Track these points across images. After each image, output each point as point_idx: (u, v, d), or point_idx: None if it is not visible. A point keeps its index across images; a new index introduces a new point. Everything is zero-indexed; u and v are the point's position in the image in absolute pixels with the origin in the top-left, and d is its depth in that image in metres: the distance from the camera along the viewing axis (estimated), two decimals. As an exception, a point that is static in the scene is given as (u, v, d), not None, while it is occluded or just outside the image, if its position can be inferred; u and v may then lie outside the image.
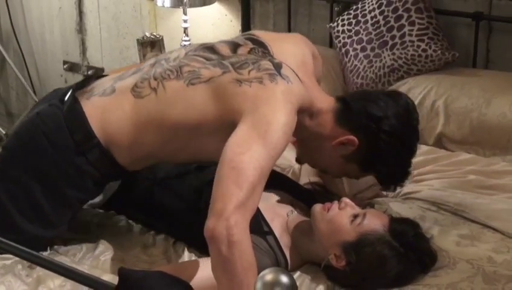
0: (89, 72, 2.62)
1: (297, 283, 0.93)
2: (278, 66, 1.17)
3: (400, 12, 1.69)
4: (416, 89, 1.65)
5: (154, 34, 2.28)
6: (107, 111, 1.22)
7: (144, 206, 1.40)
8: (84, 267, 1.17)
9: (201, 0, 2.16)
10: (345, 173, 1.29)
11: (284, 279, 0.57)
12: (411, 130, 1.23)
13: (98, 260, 1.25)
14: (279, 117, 1.07)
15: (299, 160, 1.38)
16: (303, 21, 2.15)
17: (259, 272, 0.97)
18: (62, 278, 1.07)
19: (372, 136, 1.18)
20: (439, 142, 1.61)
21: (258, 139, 1.04)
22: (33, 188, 1.21)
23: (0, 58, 2.84)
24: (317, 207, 1.15)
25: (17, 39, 2.78)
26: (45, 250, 1.24)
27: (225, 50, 1.25)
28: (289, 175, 1.54)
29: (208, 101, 1.16)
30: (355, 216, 1.10)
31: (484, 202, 1.35)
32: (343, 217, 1.10)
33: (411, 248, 1.06)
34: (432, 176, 1.48)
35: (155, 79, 1.21)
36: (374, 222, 1.09)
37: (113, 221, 1.41)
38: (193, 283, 1.07)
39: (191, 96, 1.19)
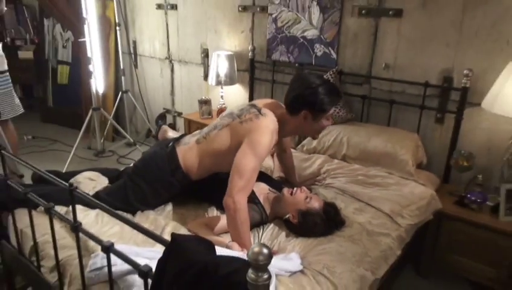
0: (175, 114, 4.00)
1: (270, 231, 1.72)
2: (259, 110, 1.71)
3: None
4: (333, 131, 2.51)
5: (207, 97, 3.48)
6: (186, 153, 1.82)
7: (199, 190, 1.93)
8: (161, 217, 1.75)
9: (230, 82, 3.31)
10: (317, 130, 1.82)
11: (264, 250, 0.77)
12: (319, 80, 1.71)
13: (169, 213, 1.84)
14: (263, 139, 1.60)
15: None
16: (278, 95, 3.19)
17: (253, 220, 1.72)
18: (149, 222, 1.72)
19: (310, 102, 1.68)
20: (344, 159, 2.44)
21: (251, 153, 1.56)
22: (144, 187, 1.81)
23: (133, 106, 4.40)
24: (285, 189, 1.81)
25: (141, 96, 4.39)
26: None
27: (235, 111, 1.82)
28: (268, 172, 2.29)
29: (229, 136, 1.73)
30: (307, 197, 1.73)
31: (367, 191, 2.06)
32: (301, 196, 1.74)
33: (332, 220, 1.69)
34: (340, 175, 2.25)
35: (205, 134, 1.83)
36: (316, 203, 1.72)
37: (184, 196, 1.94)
38: (217, 226, 1.67)
39: (221, 136, 1.76)
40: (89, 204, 1.79)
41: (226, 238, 1.65)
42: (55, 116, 5.08)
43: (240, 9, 3.33)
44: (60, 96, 5.00)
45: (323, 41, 2.90)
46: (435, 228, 2.22)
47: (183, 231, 1.70)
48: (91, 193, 1.93)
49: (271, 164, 2.42)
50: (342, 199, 2.06)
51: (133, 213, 1.84)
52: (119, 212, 1.72)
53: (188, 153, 1.83)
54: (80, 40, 3.56)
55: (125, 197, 1.82)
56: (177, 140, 1.94)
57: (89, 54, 3.63)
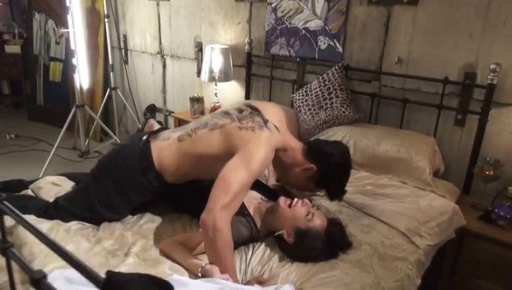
0: (167, 113, 3.71)
1: (261, 252, 1.43)
2: (265, 121, 1.52)
3: (330, 90, 2.39)
4: (339, 133, 2.21)
5: (199, 95, 3.17)
6: (163, 150, 1.55)
7: (179, 198, 1.71)
8: (129, 233, 1.47)
9: (225, 78, 3.03)
10: (305, 188, 1.67)
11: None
12: (348, 164, 1.63)
13: (140, 227, 1.55)
14: (260, 153, 1.36)
15: (278, 180, 1.76)
16: (277, 92, 2.92)
17: (240, 237, 1.42)
18: (114, 239, 1.44)
19: (325, 166, 1.54)
20: None
21: (243, 166, 1.33)
22: (110, 188, 1.54)
23: (123, 104, 4.08)
24: (282, 199, 1.51)
25: (131, 94, 4.07)
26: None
27: (234, 112, 1.63)
28: (262, 179, 1.97)
29: (221, 140, 1.48)
30: (309, 213, 1.43)
31: (376, 203, 1.78)
32: (302, 211, 1.43)
33: (337, 245, 1.41)
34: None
35: (191, 130, 1.57)
36: (318, 222, 1.43)
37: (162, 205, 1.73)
38: (196, 245, 1.38)
39: (210, 137, 1.51)
40: (46, 213, 1.57)
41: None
42: (44, 115, 4.80)
43: (236, -2, 3.03)
44: (52, 95, 4.73)
45: (328, 33, 2.59)
46: (455, 248, 1.91)
47: (153, 251, 1.40)
48: (51, 201, 1.66)
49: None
50: (348, 212, 1.76)
51: (99, 223, 1.57)
52: (74, 226, 1.48)
53: (166, 151, 1.56)
54: (62, 30, 3.26)
55: (87, 201, 1.55)
56: (153, 134, 1.67)
57: (72, 47, 3.33)
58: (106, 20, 3.77)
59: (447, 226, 1.75)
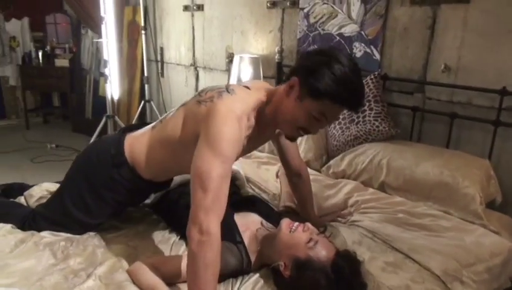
0: None
1: (251, 285, 1.15)
2: (227, 86, 1.23)
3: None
4: (369, 151, 1.94)
5: None
6: (135, 140, 1.40)
7: (167, 210, 1.58)
8: (101, 251, 1.29)
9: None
10: (308, 112, 1.15)
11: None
12: (322, 51, 1.20)
13: (118, 244, 1.37)
14: (223, 128, 1.10)
15: (288, 136, 1.31)
16: None
17: (227, 268, 1.15)
18: (84, 257, 1.25)
19: (303, 66, 1.17)
20: (382, 187, 1.84)
21: (210, 152, 1.08)
22: (82, 186, 1.39)
23: (156, 117, 3.77)
24: (286, 220, 1.25)
25: (165, 107, 4.02)
26: (86, 231, 1.41)
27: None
28: (272, 199, 1.77)
29: (183, 121, 1.26)
30: (311, 240, 1.17)
31: (408, 236, 1.45)
32: (302, 237, 1.18)
33: (346, 282, 1.09)
34: (373, 210, 1.66)
35: (164, 116, 1.41)
36: (323, 252, 1.14)
37: (149, 217, 1.62)
38: (172, 271, 1.19)
39: (175, 118, 1.30)
40: (25, 223, 1.45)
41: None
42: (88, 127, 4.86)
43: (268, 5, 2.84)
44: (100, 108, 4.73)
45: (364, 39, 2.31)
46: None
47: (119, 274, 1.20)
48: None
49: (273, 188, 1.85)
50: (369, 245, 1.43)
51: (78, 231, 1.42)
52: (47, 238, 1.34)
53: (138, 140, 1.39)
54: (96, 40, 3.26)
55: (61, 203, 1.41)
56: (134, 128, 1.49)
57: (105, 56, 3.32)
58: (143, 32, 3.75)
59: (500, 271, 1.38)
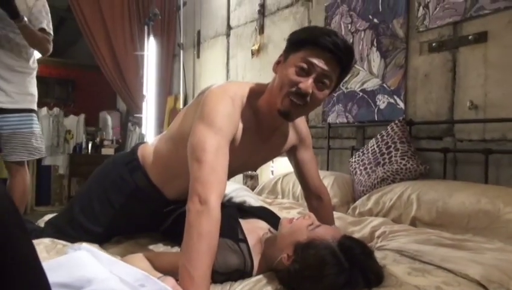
0: None
1: (252, 283, 1.02)
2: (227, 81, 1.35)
3: (389, 144, 2.04)
4: (397, 188, 1.80)
5: (253, 172, 3.00)
6: (148, 145, 1.44)
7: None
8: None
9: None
10: (293, 65, 1.12)
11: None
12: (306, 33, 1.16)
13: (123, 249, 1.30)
14: (218, 106, 1.11)
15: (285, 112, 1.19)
16: (336, 164, 2.65)
17: (226, 266, 1.03)
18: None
19: (288, 43, 1.18)
20: (414, 223, 1.67)
21: (203, 125, 1.08)
22: (92, 190, 1.39)
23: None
24: (286, 218, 1.18)
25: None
26: (94, 242, 1.31)
27: None
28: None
29: (182, 116, 1.30)
30: (312, 224, 1.08)
31: (441, 251, 1.26)
32: (303, 222, 1.09)
33: (356, 263, 0.95)
34: (402, 236, 1.46)
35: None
36: (326, 232, 1.05)
37: (155, 236, 1.47)
38: (164, 263, 1.09)
39: (179, 115, 1.34)
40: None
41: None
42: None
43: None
44: None
45: (387, 91, 2.34)
46: None
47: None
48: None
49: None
50: (394, 258, 1.24)
51: (78, 239, 1.31)
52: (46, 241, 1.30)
53: (148, 145, 1.43)
54: (135, 115, 3.53)
55: (70, 207, 1.41)
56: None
57: (143, 131, 3.53)
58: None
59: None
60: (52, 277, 0.54)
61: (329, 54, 1.08)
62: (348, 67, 1.15)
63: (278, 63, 1.18)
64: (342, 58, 1.10)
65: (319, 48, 1.08)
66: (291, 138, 1.39)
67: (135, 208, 1.37)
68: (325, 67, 1.08)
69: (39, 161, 5.17)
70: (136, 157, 1.36)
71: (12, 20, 2.02)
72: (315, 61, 1.08)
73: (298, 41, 1.12)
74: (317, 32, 1.11)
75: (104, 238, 1.38)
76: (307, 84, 1.08)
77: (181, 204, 1.31)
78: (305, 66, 1.08)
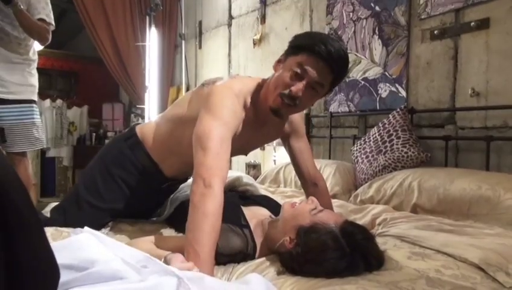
0: None
1: (254, 265, 1.05)
2: (231, 75, 1.43)
3: (391, 132, 2.04)
4: (398, 176, 1.81)
5: (256, 161, 3.12)
6: (147, 123, 1.54)
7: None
8: None
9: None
10: (289, 69, 1.21)
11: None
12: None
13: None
14: (222, 100, 1.18)
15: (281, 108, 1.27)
16: (338, 153, 2.66)
17: (229, 247, 1.06)
18: None
19: (290, 43, 1.24)
20: (415, 211, 1.68)
21: (209, 116, 1.15)
22: (95, 169, 1.45)
23: None
24: (287, 202, 1.21)
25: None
26: (96, 218, 1.36)
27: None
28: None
29: (188, 100, 1.35)
30: (315, 209, 1.10)
31: (441, 237, 1.27)
32: (305, 206, 1.11)
33: (358, 248, 0.98)
34: (403, 223, 1.48)
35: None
36: (328, 217, 1.07)
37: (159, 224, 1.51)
38: (167, 247, 1.12)
39: (183, 99, 1.42)
40: None
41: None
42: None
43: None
44: None
45: (388, 79, 2.33)
46: None
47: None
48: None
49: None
50: (394, 243, 1.26)
51: (90, 219, 1.32)
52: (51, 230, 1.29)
53: (148, 123, 1.52)
54: (138, 106, 3.53)
55: (76, 192, 1.45)
56: None
57: (146, 120, 3.55)
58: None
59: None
60: (56, 258, 0.55)
61: (322, 62, 1.14)
62: (341, 75, 1.22)
63: (278, 61, 1.24)
64: (334, 67, 1.16)
65: (313, 56, 1.14)
66: (283, 127, 1.46)
67: (136, 182, 1.42)
68: (316, 75, 1.15)
69: (43, 153, 5.21)
70: (135, 133, 1.43)
71: (5, 5, 1.99)
72: (309, 68, 1.14)
73: (297, 46, 1.19)
74: (315, 39, 1.16)
75: (109, 215, 1.42)
76: (299, 88, 1.16)
77: (177, 181, 1.47)
78: (299, 71, 1.16)
